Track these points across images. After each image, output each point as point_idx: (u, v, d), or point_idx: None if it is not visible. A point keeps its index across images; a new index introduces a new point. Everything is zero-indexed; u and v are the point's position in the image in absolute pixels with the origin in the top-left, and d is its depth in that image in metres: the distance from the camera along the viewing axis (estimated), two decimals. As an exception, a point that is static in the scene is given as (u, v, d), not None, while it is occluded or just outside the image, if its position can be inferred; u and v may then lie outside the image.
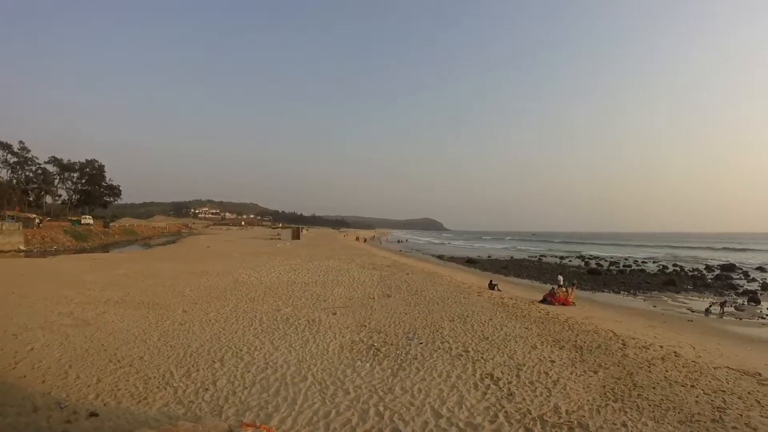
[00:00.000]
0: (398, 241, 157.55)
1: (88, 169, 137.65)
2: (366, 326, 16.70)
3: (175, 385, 10.24)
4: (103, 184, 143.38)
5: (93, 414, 8.49)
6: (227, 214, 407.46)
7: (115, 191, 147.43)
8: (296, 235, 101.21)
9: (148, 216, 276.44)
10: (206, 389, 10.02)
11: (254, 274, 31.22)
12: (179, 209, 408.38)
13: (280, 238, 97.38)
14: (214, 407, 9.08)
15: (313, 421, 8.59)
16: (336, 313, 18.77)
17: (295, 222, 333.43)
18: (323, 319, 17.56)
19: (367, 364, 12.08)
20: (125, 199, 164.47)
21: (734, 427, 9.19)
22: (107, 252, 63.21)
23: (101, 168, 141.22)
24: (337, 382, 10.68)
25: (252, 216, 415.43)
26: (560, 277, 33.78)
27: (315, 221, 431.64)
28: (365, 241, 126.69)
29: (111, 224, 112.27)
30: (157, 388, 10.05)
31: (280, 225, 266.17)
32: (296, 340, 14.46)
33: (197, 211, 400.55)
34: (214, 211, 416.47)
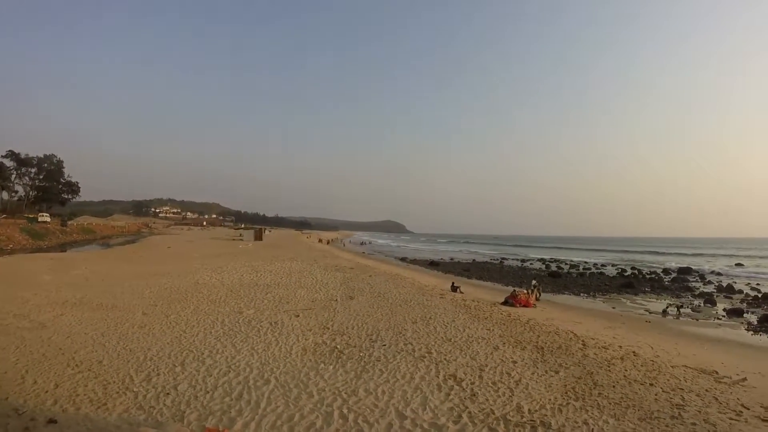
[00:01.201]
0: (361, 243, 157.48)
1: (46, 165, 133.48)
2: (329, 328, 16.63)
3: (135, 390, 10.00)
4: (62, 180, 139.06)
5: (52, 421, 8.29)
6: (189, 213, 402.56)
7: (73, 188, 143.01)
8: (259, 236, 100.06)
9: (107, 214, 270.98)
10: (167, 394, 9.81)
11: (216, 276, 30.83)
12: (139, 208, 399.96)
13: (242, 239, 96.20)
14: (175, 412, 8.92)
15: (277, 424, 8.50)
16: (299, 315, 18.67)
17: (257, 222, 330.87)
18: (286, 322, 17.43)
19: (331, 367, 12.02)
20: (84, 196, 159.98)
21: (693, 424, 9.42)
22: (65, 251, 61.93)
23: (60, 164, 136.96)
24: (301, 384, 10.58)
25: (214, 216, 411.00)
26: (534, 281, 33.92)
27: (278, 222, 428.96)
28: (328, 242, 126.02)
29: (69, 222, 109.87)
30: (117, 393, 9.81)
31: (243, 225, 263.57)
32: (259, 342, 14.32)
33: (158, 211, 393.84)
34: (175, 210, 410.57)
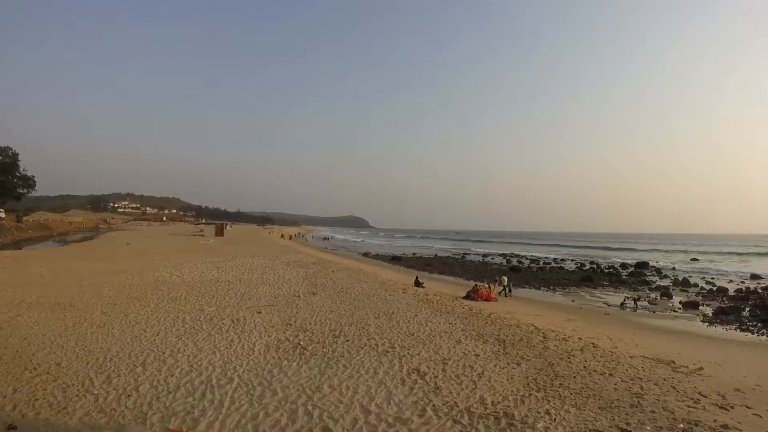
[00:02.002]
0: (324, 239, 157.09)
1: (0, 157, 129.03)
2: (292, 325, 16.53)
3: (95, 392, 9.74)
4: (17, 174, 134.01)
5: (11, 427, 8.05)
6: (148, 209, 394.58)
7: (29, 182, 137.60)
8: (220, 232, 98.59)
9: (64, 210, 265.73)
10: (129, 396, 9.58)
11: (176, 273, 30.41)
12: (97, 203, 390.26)
13: (203, 235, 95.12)
14: (137, 414, 8.74)
15: (242, 423, 8.41)
16: (261, 312, 18.51)
17: (218, 218, 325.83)
18: (248, 318, 17.26)
19: (294, 363, 11.94)
20: (40, 191, 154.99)
21: (652, 411, 9.71)
22: (20, 249, 60.34)
23: (15, 156, 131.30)
24: (264, 382, 10.48)
25: (174, 211, 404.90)
26: (505, 278, 34.07)
27: (239, 217, 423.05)
28: (290, 238, 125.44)
29: (24, 218, 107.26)
30: (77, 396, 9.54)
31: (204, 221, 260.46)
32: (221, 340, 14.12)
33: (116, 206, 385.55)
34: (134, 205, 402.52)
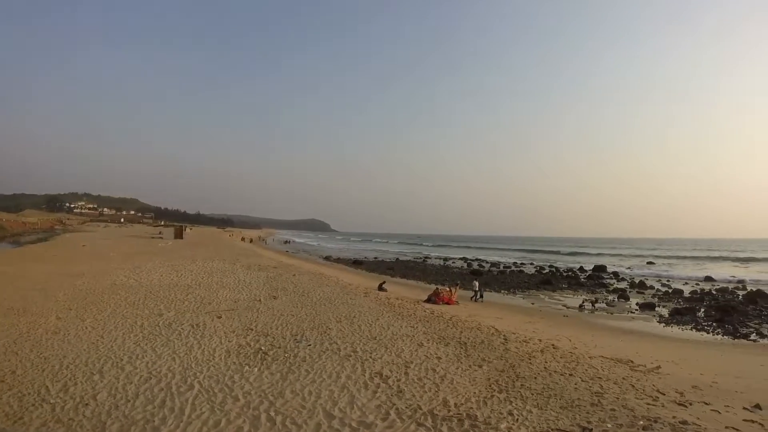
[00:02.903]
0: (285, 242, 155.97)
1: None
2: (253, 329, 16.37)
3: (52, 401, 9.46)
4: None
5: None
6: (106, 209, 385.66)
7: None
8: (179, 234, 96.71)
9: (18, 209, 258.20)
10: (86, 404, 9.33)
11: (134, 276, 29.74)
12: (53, 203, 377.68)
13: (161, 237, 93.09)
14: (96, 424, 8.52)
15: (203, 431, 8.33)
16: (221, 317, 18.28)
17: (178, 220, 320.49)
18: (208, 323, 17.02)
19: (256, 369, 11.81)
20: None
21: (612, 409, 9.93)
22: (-29, 251, 58.46)
23: None
24: (226, 389, 10.32)
25: (132, 212, 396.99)
26: (476, 283, 34.35)
27: (199, 219, 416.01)
28: (251, 241, 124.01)
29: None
30: (33, 405, 9.27)
31: (162, 223, 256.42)
32: (180, 346, 13.87)
33: (73, 206, 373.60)
34: (91, 206, 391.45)
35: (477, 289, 32.86)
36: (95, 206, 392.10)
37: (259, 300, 22.51)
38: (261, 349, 13.76)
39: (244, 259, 46.79)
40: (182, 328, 16.14)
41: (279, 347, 14.09)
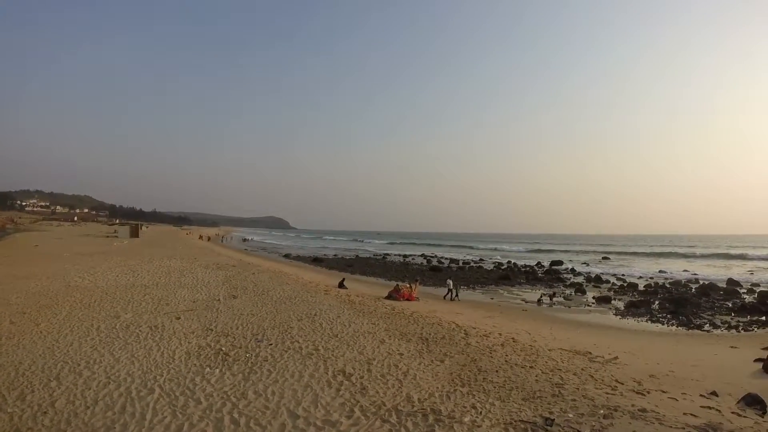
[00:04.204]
0: (243, 240, 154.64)
1: None
2: (213, 330, 16.15)
3: (9, 410, 9.13)
4: None
5: None
6: (59, 207, 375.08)
7: None
8: (135, 233, 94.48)
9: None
10: (45, 413, 9.03)
11: (89, 277, 28.97)
12: (3, 201, 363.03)
13: (117, 236, 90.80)
14: (55, 432, 8.35)
15: (166, 436, 8.19)
16: (180, 318, 17.98)
17: (133, 218, 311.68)
18: (167, 325, 16.68)
19: (217, 370, 11.66)
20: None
21: (573, 400, 10.27)
22: None
23: None
24: (187, 392, 10.16)
25: (86, 210, 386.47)
26: (450, 281, 33.95)
27: (156, 217, 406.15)
28: (209, 239, 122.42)
29: None
30: (-11, 415, 9.03)
31: (117, 221, 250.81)
32: (139, 349, 13.56)
33: (24, 204, 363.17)
34: (43, 203, 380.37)
35: (451, 287, 32.58)
36: (48, 204, 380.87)
37: (219, 299, 22.24)
38: (222, 350, 13.60)
39: (202, 258, 46.20)
40: (140, 330, 15.78)
41: (240, 347, 13.95)
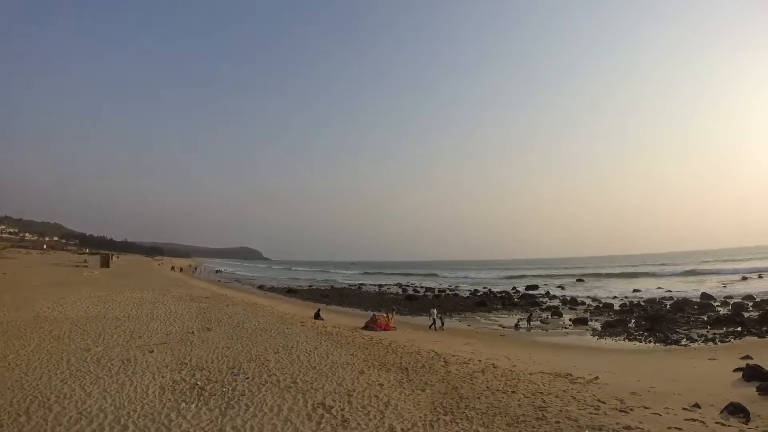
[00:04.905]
0: (216, 271, 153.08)
1: None
2: (187, 363, 15.75)
3: None
4: None
5: None
6: (27, 234, 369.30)
7: None
8: (106, 263, 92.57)
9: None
10: None
11: (58, 308, 28.19)
12: None
13: (87, 265, 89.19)
14: (24, 470, 7.98)
15: (140, 475, 7.88)
16: (153, 351, 17.52)
17: (104, 247, 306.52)
18: (139, 358, 16.23)
19: (193, 405, 11.30)
20: None
21: (557, 422, 10.27)
22: None
23: None
24: (162, 428, 9.82)
25: (56, 238, 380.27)
26: (434, 310, 33.10)
27: (127, 247, 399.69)
28: (181, 270, 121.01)
29: None
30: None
31: (88, 250, 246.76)
32: (111, 383, 13.14)
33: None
34: (12, 230, 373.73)
35: (435, 316, 32.02)
36: (17, 230, 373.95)
37: (192, 332, 21.77)
38: (197, 384, 13.23)
39: (174, 290, 45.51)
40: (112, 364, 15.33)
41: (216, 381, 13.60)
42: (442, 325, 32.00)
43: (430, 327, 31.27)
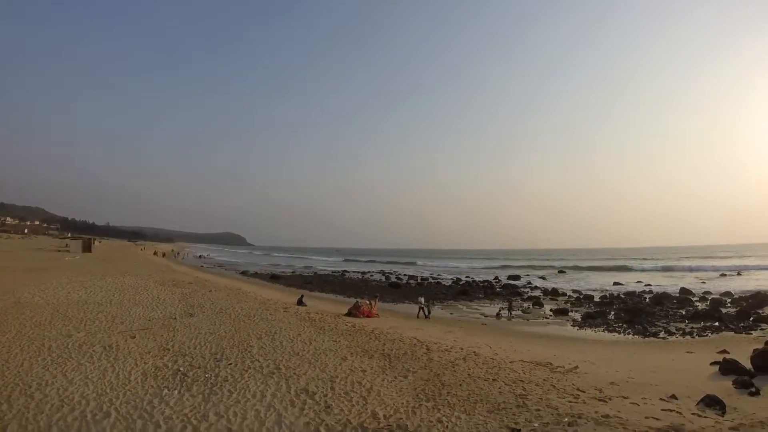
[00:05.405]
0: (199, 257, 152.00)
1: None
2: (170, 349, 15.67)
3: None
4: None
5: None
6: (8, 219, 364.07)
7: None
8: (87, 248, 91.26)
9: None
10: None
11: (39, 293, 27.77)
12: None
13: (68, 250, 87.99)
14: (7, 458, 7.95)
15: (123, 461, 7.88)
16: (135, 337, 17.40)
17: (86, 232, 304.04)
18: (122, 344, 16.09)
19: (176, 392, 11.28)
20: None
21: (537, 409, 10.47)
22: None
23: None
24: (145, 414, 9.79)
25: (37, 223, 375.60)
26: (422, 299, 33.46)
27: (109, 232, 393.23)
28: (164, 255, 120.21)
29: None
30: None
31: (69, 235, 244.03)
32: (93, 370, 13.03)
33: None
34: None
35: (423, 304, 32.17)
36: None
37: (175, 318, 21.68)
38: (180, 370, 13.19)
39: (157, 275, 45.14)
40: (94, 350, 15.19)
41: (199, 367, 13.57)
42: (429, 313, 32.01)
43: (418, 315, 31.25)
